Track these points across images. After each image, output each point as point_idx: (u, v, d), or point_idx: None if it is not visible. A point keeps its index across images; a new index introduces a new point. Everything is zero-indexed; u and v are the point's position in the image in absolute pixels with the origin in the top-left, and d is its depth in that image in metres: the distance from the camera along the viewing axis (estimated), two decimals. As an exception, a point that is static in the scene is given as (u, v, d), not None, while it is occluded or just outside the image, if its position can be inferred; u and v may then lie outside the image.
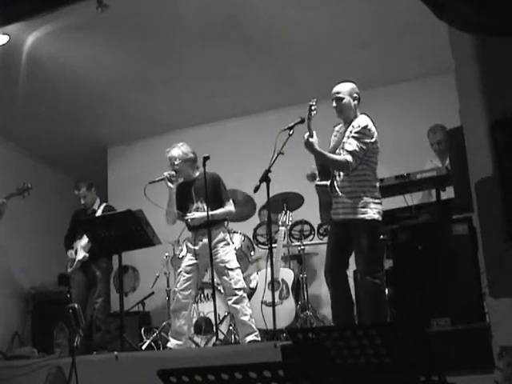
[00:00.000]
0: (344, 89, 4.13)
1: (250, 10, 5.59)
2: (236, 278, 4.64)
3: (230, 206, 4.84)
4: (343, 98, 4.10)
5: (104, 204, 6.15)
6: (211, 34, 5.83)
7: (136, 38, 5.93)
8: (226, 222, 5.06)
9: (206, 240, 4.67)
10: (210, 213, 4.62)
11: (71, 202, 6.18)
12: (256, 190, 4.18)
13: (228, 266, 4.65)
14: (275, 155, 4.15)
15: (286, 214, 5.69)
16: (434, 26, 3.16)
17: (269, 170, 4.14)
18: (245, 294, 4.68)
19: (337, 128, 4.28)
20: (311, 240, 5.95)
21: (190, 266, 4.75)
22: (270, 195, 4.23)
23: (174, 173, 4.78)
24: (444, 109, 4.68)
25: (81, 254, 5.79)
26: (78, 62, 6.19)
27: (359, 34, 5.84)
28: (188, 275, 4.73)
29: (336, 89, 4.15)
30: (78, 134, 7.57)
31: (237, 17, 5.65)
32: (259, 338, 4.57)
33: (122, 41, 5.98)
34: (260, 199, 5.56)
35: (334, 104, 4.13)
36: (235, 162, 6.80)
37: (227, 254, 4.71)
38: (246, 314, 4.56)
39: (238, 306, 4.58)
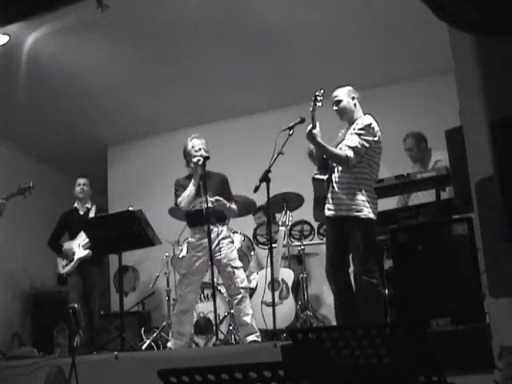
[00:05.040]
0: (341, 91, 4.22)
1: (250, 10, 5.59)
2: (241, 276, 4.65)
3: (235, 207, 4.84)
4: (341, 101, 4.19)
5: (95, 205, 6.14)
6: (211, 34, 5.83)
7: (136, 38, 5.93)
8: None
9: (212, 236, 4.59)
10: (228, 204, 4.64)
11: (71, 202, 6.18)
12: (256, 189, 4.19)
13: (233, 264, 4.64)
14: (275, 155, 4.17)
15: (285, 213, 5.69)
16: (434, 26, 3.16)
17: (269, 170, 4.15)
18: (247, 294, 4.68)
19: (343, 130, 4.31)
20: (311, 240, 5.94)
21: (195, 265, 4.68)
22: (270, 195, 4.23)
23: None
24: (444, 109, 4.69)
25: (82, 252, 5.74)
26: (77, 62, 6.19)
27: (359, 34, 5.85)
28: (194, 278, 4.72)
29: (334, 93, 4.24)
30: (78, 134, 7.57)
31: (237, 17, 5.65)
32: (260, 339, 4.56)
33: (122, 41, 5.98)
34: (260, 199, 5.57)
35: (335, 108, 4.21)
36: (235, 161, 6.80)
37: (232, 252, 4.70)
38: (247, 314, 4.57)
39: (241, 307, 4.59)
